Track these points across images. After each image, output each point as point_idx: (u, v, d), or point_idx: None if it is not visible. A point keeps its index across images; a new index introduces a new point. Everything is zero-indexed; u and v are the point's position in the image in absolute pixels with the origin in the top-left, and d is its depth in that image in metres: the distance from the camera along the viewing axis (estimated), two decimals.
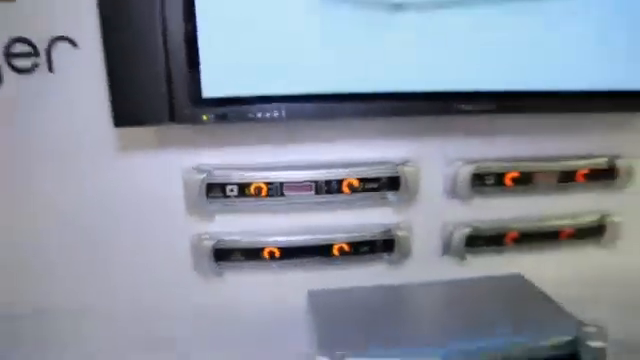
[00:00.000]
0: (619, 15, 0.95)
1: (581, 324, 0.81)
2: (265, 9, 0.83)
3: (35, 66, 0.93)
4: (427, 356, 0.72)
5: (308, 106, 0.88)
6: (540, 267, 1.14)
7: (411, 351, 0.74)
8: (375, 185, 1.06)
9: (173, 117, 0.82)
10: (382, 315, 0.90)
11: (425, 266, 1.15)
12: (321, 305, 0.89)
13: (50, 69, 0.93)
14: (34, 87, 0.94)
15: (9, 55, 0.92)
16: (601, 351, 0.78)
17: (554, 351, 0.78)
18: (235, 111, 0.85)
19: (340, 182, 1.05)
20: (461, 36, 0.90)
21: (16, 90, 0.94)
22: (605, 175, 1.20)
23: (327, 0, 0.82)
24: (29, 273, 1.03)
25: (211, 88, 0.82)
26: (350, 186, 1.04)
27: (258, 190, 1.00)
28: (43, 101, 0.95)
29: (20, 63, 0.93)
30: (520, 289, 1.00)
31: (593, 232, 1.24)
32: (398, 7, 0.85)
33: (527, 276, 1.12)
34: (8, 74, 0.93)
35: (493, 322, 0.89)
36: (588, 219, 1.22)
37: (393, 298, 0.98)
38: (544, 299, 0.97)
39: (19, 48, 0.92)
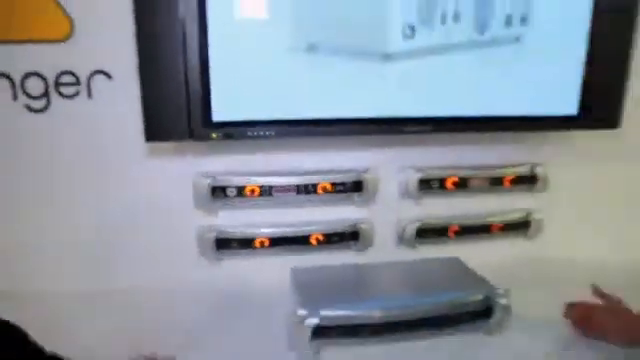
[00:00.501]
0: (529, 61, 1.24)
1: (494, 287, 1.09)
2: (264, 57, 1.07)
3: (77, 93, 1.16)
4: (374, 308, 0.99)
5: (293, 128, 1.13)
6: (476, 255, 1.31)
7: (364, 304, 1.00)
8: (343, 188, 1.29)
9: (191, 135, 1.07)
10: (347, 284, 1.16)
11: (383, 253, 1.36)
12: (301, 277, 1.14)
13: (89, 95, 1.16)
14: (76, 110, 1.16)
15: (58, 84, 1.15)
16: (507, 307, 1.06)
17: (473, 306, 1.05)
18: (237, 131, 1.09)
19: (316, 185, 1.27)
20: (413, 77, 1.19)
21: (62, 112, 1.16)
22: (527, 180, 1.43)
23: (318, 52, 1.09)
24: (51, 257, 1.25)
25: (219, 114, 1.06)
26: (324, 189, 1.28)
27: (252, 192, 1.23)
28: (83, 121, 1.19)
29: (66, 90, 1.15)
30: (454, 267, 1.26)
31: (519, 227, 1.46)
32: (387, 57, 1.13)
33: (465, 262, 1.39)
34: (56, 99, 1.15)
35: (428, 287, 1.17)
36: (515, 216, 1.45)
37: (356, 273, 1.24)
38: (470, 273, 1.21)
39: (65, 79, 1.14)
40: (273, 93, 1.10)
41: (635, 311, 0.99)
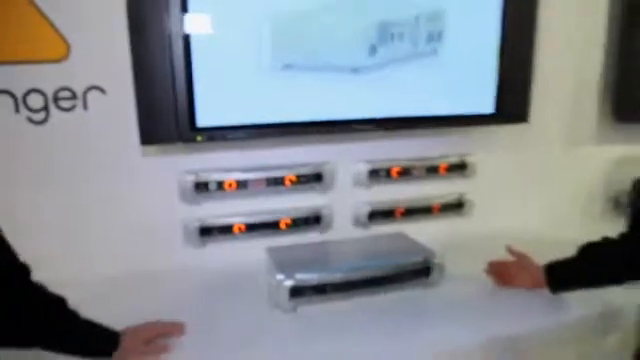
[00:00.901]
0: (451, 69, 1.53)
1: (431, 251, 1.36)
2: (243, 74, 1.29)
3: (74, 106, 1.33)
4: (337, 271, 1.23)
5: (264, 130, 1.36)
6: (419, 231, 1.55)
7: (328, 269, 1.25)
8: (306, 179, 1.52)
9: (179, 138, 1.28)
10: (314, 256, 1.39)
11: (342, 233, 1.60)
12: (275, 254, 1.36)
13: (85, 108, 1.34)
14: (73, 121, 1.33)
15: (56, 99, 1.32)
16: (442, 266, 1.33)
17: (415, 267, 1.32)
18: (218, 134, 1.31)
19: (283, 178, 1.50)
20: (368, 86, 1.44)
21: (60, 123, 1.33)
22: (459, 168, 1.72)
23: (293, 69, 1.33)
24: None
25: (202, 120, 1.28)
26: (290, 180, 1.51)
27: (230, 185, 1.45)
28: (79, 130, 1.36)
29: (64, 104, 1.32)
30: (400, 239, 1.51)
31: (454, 207, 1.75)
32: (355, 71, 1.39)
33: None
34: (55, 112, 1.31)
35: (379, 254, 1.43)
36: (450, 198, 1.73)
37: (321, 248, 1.47)
38: (412, 242, 1.46)
39: (63, 94, 1.31)
40: (249, 102, 1.33)
41: (537, 264, 1.28)
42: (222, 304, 1.26)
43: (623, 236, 1.15)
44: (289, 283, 1.18)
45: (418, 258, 1.32)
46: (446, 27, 1.47)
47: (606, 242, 1.17)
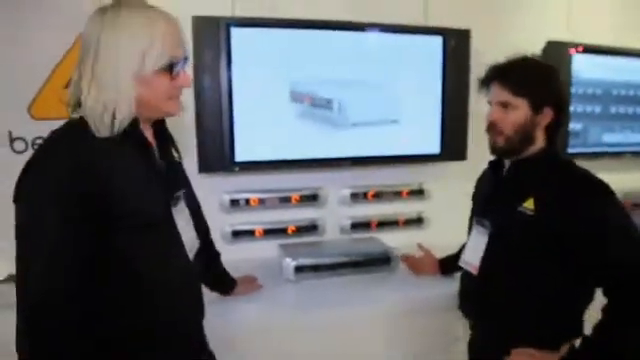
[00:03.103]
0: (407, 127, 2.20)
1: (391, 247, 2.00)
2: (264, 121, 1.96)
3: None
4: (328, 257, 1.88)
5: (280, 164, 2.04)
6: (389, 240, 2.10)
7: (322, 256, 1.89)
8: (307, 198, 2.15)
9: (224, 169, 1.94)
10: (312, 249, 2.03)
11: (332, 237, 2.22)
12: (285, 249, 2.00)
13: None
14: None
15: None
16: (397, 257, 1.97)
17: (380, 257, 1.94)
18: (250, 166, 1.98)
19: (290, 197, 2.13)
20: (353, 136, 2.11)
21: None
22: (418, 192, 2.34)
23: (302, 117, 2.00)
24: None
25: (239, 156, 1.94)
26: (295, 199, 2.15)
27: (254, 202, 2.09)
28: None
29: None
30: (371, 241, 2.13)
31: (415, 222, 2.35)
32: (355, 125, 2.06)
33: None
34: None
35: (356, 249, 2.04)
36: (412, 215, 2.34)
37: (316, 246, 2.11)
38: (380, 242, 2.06)
39: None
40: (270, 144, 2.00)
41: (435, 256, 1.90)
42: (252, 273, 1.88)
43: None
44: (294, 263, 1.82)
45: (382, 251, 1.96)
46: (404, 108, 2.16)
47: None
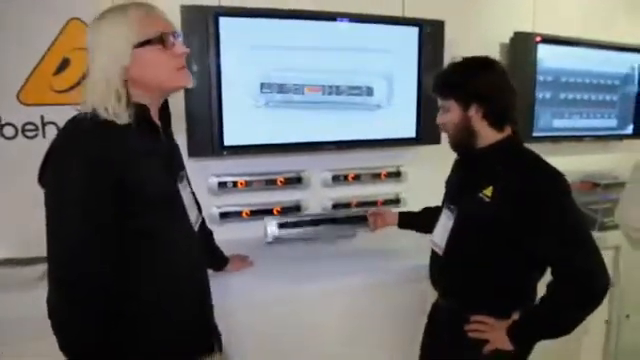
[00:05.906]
0: (388, 113, 2.33)
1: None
2: (251, 107, 2.06)
3: None
4: (309, 215, 2.00)
5: (266, 148, 2.14)
6: None
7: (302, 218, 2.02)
8: (291, 181, 2.25)
9: (212, 153, 2.02)
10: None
11: None
12: (269, 223, 2.12)
13: None
14: None
15: None
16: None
17: (352, 214, 2.10)
18: (237, 149, 2.07)
19: (276, 179, 2.23)
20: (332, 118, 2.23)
21: None
22: (395, 174, 2.47)
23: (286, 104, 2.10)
24: None
25: (228, 140, 2.04)
26: (280, 181, 2.24)
27: (241, 184, 2.19)
28: None
29: None
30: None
31: (393, 202, 2.48)
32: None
33: None
34: None
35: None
36: (389, 196, 2.48)
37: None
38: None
39: None
40: (256, 130, 2.09)
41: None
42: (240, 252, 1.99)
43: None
44: (276, 220, 2.04)
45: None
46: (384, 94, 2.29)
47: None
